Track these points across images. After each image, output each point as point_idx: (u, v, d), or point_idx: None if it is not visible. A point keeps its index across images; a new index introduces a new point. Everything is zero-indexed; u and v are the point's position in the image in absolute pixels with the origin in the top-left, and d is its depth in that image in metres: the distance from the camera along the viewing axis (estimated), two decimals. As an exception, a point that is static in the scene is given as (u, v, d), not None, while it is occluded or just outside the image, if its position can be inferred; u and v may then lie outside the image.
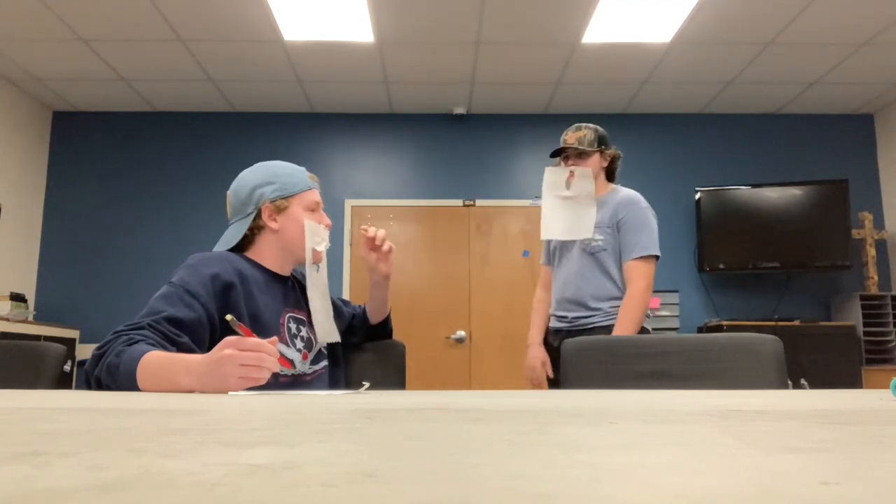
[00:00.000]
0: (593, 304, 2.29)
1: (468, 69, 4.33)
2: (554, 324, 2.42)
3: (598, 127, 2.41)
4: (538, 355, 2.43)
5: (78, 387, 4.25)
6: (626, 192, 2.37)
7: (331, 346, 1.57)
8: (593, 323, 2.28)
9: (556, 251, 2.44)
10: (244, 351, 1.03)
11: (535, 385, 2.41)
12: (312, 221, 1.49)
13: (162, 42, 3.95)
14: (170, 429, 0.47)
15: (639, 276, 2.23)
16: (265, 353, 1.04)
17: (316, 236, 1.49)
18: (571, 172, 2.33)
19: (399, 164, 5.02)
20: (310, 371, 1.47)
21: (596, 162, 2.37)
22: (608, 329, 2.23)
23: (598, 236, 2.30)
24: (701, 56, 4.17)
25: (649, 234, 2.28)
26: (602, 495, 0.24)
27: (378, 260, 1.57)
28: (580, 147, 2.34)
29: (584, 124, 2.40)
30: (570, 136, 2.37)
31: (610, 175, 2.45)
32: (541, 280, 2.63)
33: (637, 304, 2.19)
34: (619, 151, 2.45)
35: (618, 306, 2.25)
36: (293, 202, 1.49)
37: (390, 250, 1.58)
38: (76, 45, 3.96)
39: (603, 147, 2.38)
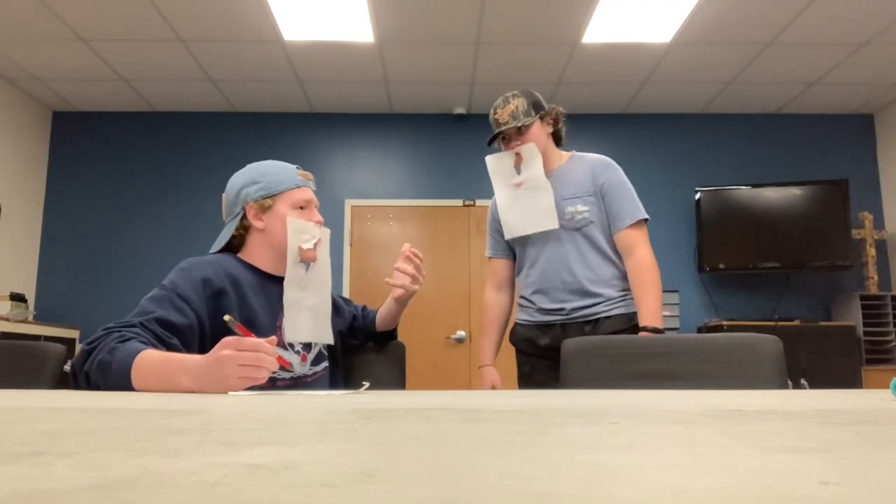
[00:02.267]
0: (593, 289, 1.97)
1: (468, 69, 4.33)
2: (538, 318, 2.05)
3: (528, 90, 2.06)
4: (488, 380, 2.13)
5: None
6: (595, 156, 2.08)
7: (330, 346, 1.56)
8: (597, 313, 1.97)
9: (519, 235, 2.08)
10: (242, 351, 1.02)
11: None
12: (299, 219, 1.45)
13: (162, 42, 3.95)
14: (170, 429, 0.47)
15: (641, 242, 1.97)
16: (263, 352, 1.04)
17: (304, 234, 1.44)
18: (517, 155, 2.02)
19: (399, 164, 5.02)
20: (310, 373, 1.46)
21: (539, 131, 2.02)
22: (615, 319, 1.96)
23: (581, 207, 1.99)
24: (701, 56, 4.17)
25: (635, 196, 2.03)
26: (602, 495, 0.24)
27: (404, 279, 1.56)
28: (517, 123, 1.98)
29: (510, 94, 2.03)
30: (501, 114, 2.00)
31: (557, 138, 2.11)
32: (491, 278, 2.22)
33: (655, 273, 1.94)
34: (560, 108, 2.10)
35: (624, 291, 1.99)
36: (278, 200, 1.46)
37: (414, 279, 1.56)
38: (76, 45, 3.96)
39: (541, 112, 2.03)
